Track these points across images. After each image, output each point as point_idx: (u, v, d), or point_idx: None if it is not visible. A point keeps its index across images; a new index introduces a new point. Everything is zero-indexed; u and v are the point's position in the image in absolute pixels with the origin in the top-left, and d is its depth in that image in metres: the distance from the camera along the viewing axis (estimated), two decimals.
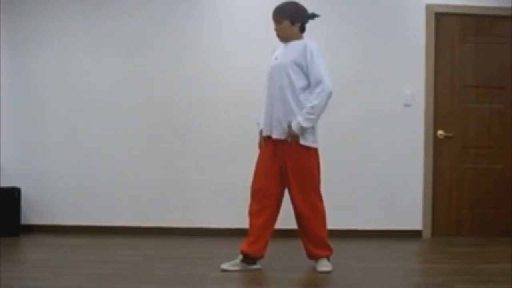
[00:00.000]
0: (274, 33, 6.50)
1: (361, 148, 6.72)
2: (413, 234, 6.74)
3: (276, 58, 5.01)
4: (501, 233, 6.77)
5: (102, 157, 6.91)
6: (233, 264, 5.01)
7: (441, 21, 6.82)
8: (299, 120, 4.78)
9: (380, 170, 6.78)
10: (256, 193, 5.04)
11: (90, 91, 6.91)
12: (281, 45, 5.10)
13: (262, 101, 5.16)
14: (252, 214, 5.06)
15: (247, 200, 6.52)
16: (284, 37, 5.03)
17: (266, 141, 5.05)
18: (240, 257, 5.03)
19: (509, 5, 6.77)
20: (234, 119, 6.76)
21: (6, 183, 6.85)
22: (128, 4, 6.88)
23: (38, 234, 6.72)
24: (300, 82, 4.87)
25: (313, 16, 5.04)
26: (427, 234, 6.79)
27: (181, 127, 6.85)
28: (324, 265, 4.98)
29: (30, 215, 6.88)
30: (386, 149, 6.78)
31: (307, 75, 4.87)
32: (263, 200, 4.99)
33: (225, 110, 6.80)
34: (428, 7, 6.79)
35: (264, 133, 5.07)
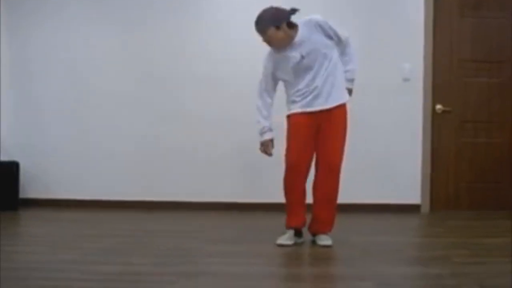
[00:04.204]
0: None
1: (360, 122, 6.69)
2: (412, 208, 6.77)
3: (302, 57, 4.81)
4: (499, 207, 6.80)
5: (100, 131, 6.93)
6: (287, 238, 5.02)
7: None
8: (349, 82, 5.07)
9: (378, 144, 6.79)
10: (290, 168, 4.98)
11: (90, 67, 6.93)
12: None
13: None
14: (288, 189, 5.05)
15: (245, 174, 6.60)
16: (277, 44, 4.86)
17: (298, 118, 4.96)
18: (292, 231, 5.05)
19: None
20: (232, 94, 6.77)
21: (4, 157, 6.87)
22: None
23: (37, 208, 6.76)
24: (336, 54, 4.96)
25: (294, 11, 4.85)
26: (425, 209, 6.82)
27: (179, 104, 6.88)
28: (325, 239, 4.99)
29: (29, 189, 6.91)
30: (385, 124, 6.78)
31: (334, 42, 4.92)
32: (297, 175, 4.98)
33: (223, 87, 6.81)
34: None
35: (297, 111, 4.99)
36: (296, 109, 4.96)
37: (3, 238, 5.13)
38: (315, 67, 4.86)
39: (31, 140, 6.97)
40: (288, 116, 5.02)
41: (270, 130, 5.04)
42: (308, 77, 4.88)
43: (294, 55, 4.83)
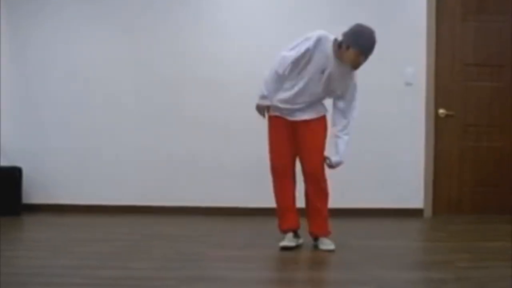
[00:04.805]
0: (278, 12, 6.57)
1: (362, 126, 6.69)
2: (414, 213, 6.75)
3: (323, 72, 4.79)
4: (501, 211, 6.77)
5: (103, 136, 6.92)
6: (288, 240, 5.03)
7: None
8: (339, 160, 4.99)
9: (381, 149, 6.77)
10: (276, 171, 5.06)
11: (91, 70, 6.92)
12: (328, 49, 4.80)
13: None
14: (278, 192, 5.11)
15: (251, 178, 6.57)
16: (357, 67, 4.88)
17: (278, 121, 5.03)
18: (290, 233, 5.07)
19: None
20: (234, 97, 6.76)
21: (7, 162, 6.86)
22: None
23: (39, 213, 6.75)
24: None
25: None
26: (428, 213, 6.80)
27: (181, 107, 6.86)
28: (328, 244, 4.98)
29: (32, 194, 6.91)
30: (387, 128, 6.77)
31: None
32: (283, 176, 5.05)
33: (226, 89, 6.81)
34: None
35: (276, 114, 5.04)
36: (275, 113, 5.02)
37: (5, 243, 5.13)
38: (318, 94, 4.92)
39: (34, 146, 6.96)
40: (269, 117, 5.08)
41: (267, 98, 4.99)
42: (306, 94, 4.91)
43: (325, 65, 4.81)
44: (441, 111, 6.81)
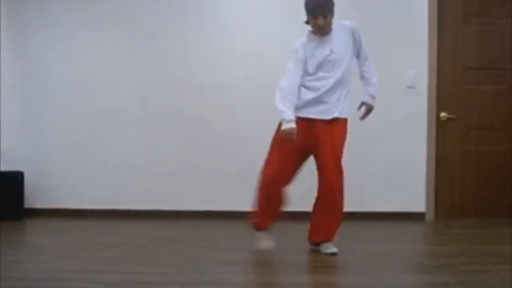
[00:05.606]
0: (278, 15, 6.55)
1: (364, 130, 6.68)
2: (416, 216, 6.73)
3: (332, 52, 4.82)
4: (504, 215, 6.75)
5: (105, 140, 6.93)
6: (268, 240, 5.05)
7: (443, 1, 6.78)
8: (372, 99, 5.18)
9: (383, 152, 6.76)
10: (268, 183, 4.93)
11: (93, 75, 6.93)
12: (309, 39, 4.86)
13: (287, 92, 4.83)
14: (265, 198, 5.01)
15: (250, 182, 6.56)
16: (326, 31, 4.83)
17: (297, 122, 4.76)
18: (266, 232, 5.08)
19: None
20: (238, 101, 6.77)
21: (9, 167, 6.87)
22: None
23: (41, 217, 6.76)
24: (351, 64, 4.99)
25: None
26: (430, 216, 6.78)
27: (184, 109, 6.86)
28: (330, 247, 4.97)
29: (34, 199, 6.91)
30: (389, 131, 6.75)
31: (354, 53, 5.03)
32: (279, 187, 4.93)
33: (229, 93, 6.81)
34: None
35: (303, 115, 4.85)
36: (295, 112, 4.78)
37: (7, 247, 5.14)
38: (336, 68, 4.86)
39: (35, 150, 6.97)
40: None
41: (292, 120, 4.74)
42: (327, 75, 4.85)
43: (326, 49, 4.84)
44: (443, 114, 6.80)
